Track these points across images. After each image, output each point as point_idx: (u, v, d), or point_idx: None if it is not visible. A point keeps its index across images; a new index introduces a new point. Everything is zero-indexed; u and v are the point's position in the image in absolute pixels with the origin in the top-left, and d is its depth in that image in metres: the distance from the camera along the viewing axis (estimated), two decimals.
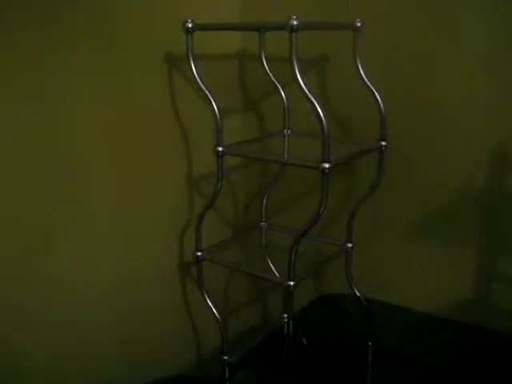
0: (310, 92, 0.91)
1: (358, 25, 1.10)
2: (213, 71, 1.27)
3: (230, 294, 1.60)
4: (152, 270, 1.31)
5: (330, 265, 1.27)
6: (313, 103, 0.91)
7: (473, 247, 1.28)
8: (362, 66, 1.13)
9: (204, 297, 1.27)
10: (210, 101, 1.09)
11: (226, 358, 1.28)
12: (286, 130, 1.33)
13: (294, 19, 0.89)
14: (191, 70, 1.08)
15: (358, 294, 1.31)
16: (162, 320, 1.37)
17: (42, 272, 1.07)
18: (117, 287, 1.23)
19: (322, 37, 1.26)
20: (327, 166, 0.93)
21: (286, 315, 1.25)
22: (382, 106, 1.12)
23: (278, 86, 1.31)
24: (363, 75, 1.13)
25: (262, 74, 1.31)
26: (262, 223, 1.45)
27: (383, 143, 1.13)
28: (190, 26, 1.06)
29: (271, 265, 1.30)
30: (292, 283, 1.06)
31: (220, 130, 1.10)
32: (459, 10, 1.15)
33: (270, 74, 1.31)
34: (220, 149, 1.10)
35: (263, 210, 1.44)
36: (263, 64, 1.30)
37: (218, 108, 1.09)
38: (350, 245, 1.26)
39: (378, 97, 1.12)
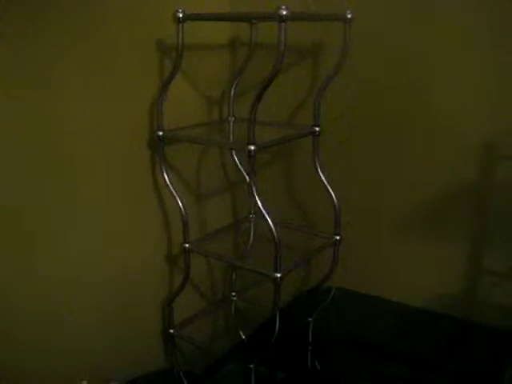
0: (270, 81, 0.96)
1: (349, 16, 1.10)
2: (203, 60, 1.26)
3: (218, 285, 1.60)
4: (140, 263, 1.30)
5: (319, 258, 1.27)
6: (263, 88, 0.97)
7: (461, 242, 1.28)
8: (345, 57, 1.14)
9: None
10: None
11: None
12: (230, 117, 1.39)
13: (284, 9, 0.89)
14: (180, 59, 1.09)
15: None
16: (150, 313, 1.37)
17: (31, 267, 1.06)
18: (105, 282, 1.22)
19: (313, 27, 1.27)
20: (252, 148, 1.03)
21: (274, 306, 1.25)
22: (317, 92, 1.18)
23: None
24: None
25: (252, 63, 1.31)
26: (251, 215, 1.45)
27: (316, 129, 1.20)
28: (180, 15, 1.06)
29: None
30: (279, 275, 1.06)
31: (160, 114, 1.17)
32: (449, 4, 1.15)
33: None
34: (160, 133, 1.17)
35: (252, 202, 1.44)
36: (252, 53, 1.30)
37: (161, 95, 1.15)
38: (337, 237, 1.25)
39: (325, 84, 1.17)
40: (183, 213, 1.21)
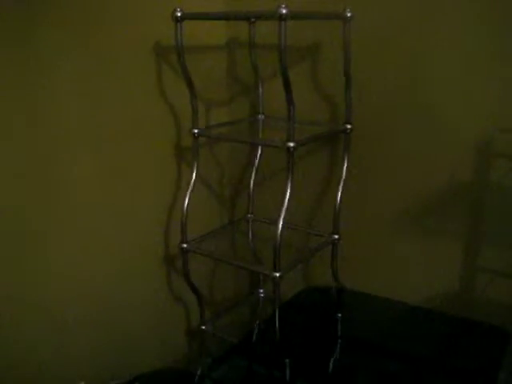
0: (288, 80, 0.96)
1: (348, 14, 1.09)
2: (201, 60, 1.26)
3: (217, 285, 1.59)
4: (138, 262, 1.30)
5: (318, 257, 1.27)
6: (287, 87, 0.98)
7: (458, 240, 1.29)
8: (349, 56, 1.13)
9: (190, 288, 1.27)
10: (191, 84, 1.14)
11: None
12: (260, 115, 1.38)
13: (284, 8, 0.89)
14: (180, 57, 1.08)
15: (343, 285, 1.31)
16: (148, 312, 1.37)
17: (28, 264, 1.06)
18: (103, 280, 1.22)
19: (312, 25, 1.27)
20: (292, 144, 1.01)
21: (273, 305, 1.25)
22: (349, 91, 1.17)
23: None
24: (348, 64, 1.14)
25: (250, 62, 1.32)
26: (249, 215, 1.45)
27: (348, 126, 1.19)
28: (179, 14, 1.05)
29: (257, 256, 1.29)
30: (278, 274, 1.06)
31: (196, 113, 1.18)
32: (449, 2, 1.16)
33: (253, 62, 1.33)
34: (196, 131, 1.18)
35: (250, 202, 1.44)
36: (252, 52, 1.31)
37: (192, 93, 1.15)
38: (336, 236, 1.26)
39: (351, 84, 1.16)
40: (184, 212, 1.21)
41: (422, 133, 1.25)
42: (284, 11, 0.90)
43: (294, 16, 0.90)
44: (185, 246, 1.23)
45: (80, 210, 1.13)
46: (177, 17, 1.05)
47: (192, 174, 1.21)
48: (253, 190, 1.43)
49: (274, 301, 1.10)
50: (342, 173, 1.22)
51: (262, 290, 1.55)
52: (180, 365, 1.44)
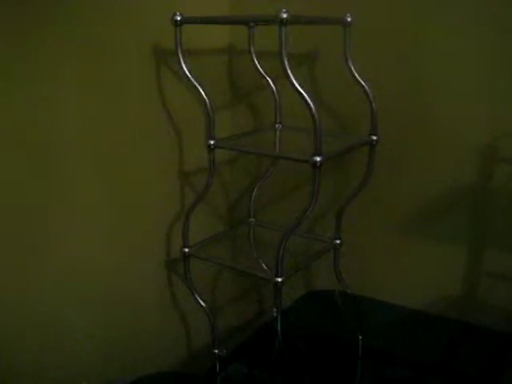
0: (300, 86, 0.91)
1: (348, 19, 1.09)
2: (202, 65, 1.26)
3: (219, 289, 1.59)
4: (140, 266, 1.29)
5: (320, 261, 1.27)
6: (304, 97, 0.91)
7: (461, 244, 1.28)
8: (352, 61, 1.12)
9: (192, 293, 1.27)
10: (201, 93, 1.08)
11: (216, 351, 1.29)
12: (277, 125, 1.33)
13: (284, 12, 0.88)
14: (180, 63, 1.07)
15: (346, 290, 1.30)
16: (151, 316, 1.36)
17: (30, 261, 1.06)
18: (106, 283, 1.21)
19: (313, 31, 1.26)
20: (319, 159, 0.93)
21: (275, 310, 1.25)
22: (372, 101, 1.11)
23: (269, 80, 1.30)
24: (353, 70, 1.12)
25: (252, 69, 1.30)
26: (250, 219, 1.44)
27: (374, 138, 1.13)
28: (178, 18, 1.04)
29: (260, 261, 1.29)
30: (280, 279, 1.06)
31: (212, 123, 1.09)
32: (450, 5, 1.15)
33: (260, 68, 1.30)
34: (212, 142, 1.09)
35: (251, 207, 1.43)
36: (253, 58, 1.29)
37: (209, 101, 1.09)
38: (338, 241, 1.25)
39: (369, 92, 1.11)
40: (186, 216, 1.20)
41: (425, 137, 1.25)
42: (285, 16, 0.88)
43: (293, 21, 0.89)
44: (186, 250, 1.22)
45: (81, 211, 1.13)
46: (176, 21, 1.04)
47: (207, 187, 1.15)
48: (255, 195, 1.43)
49: (275, 306, 1.10)
50: (358, 183, 1.18)
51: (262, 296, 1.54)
52: (184, 368, 1.44)
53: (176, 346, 1.48)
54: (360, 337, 1.27)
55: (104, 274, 1.21)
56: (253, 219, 1.44)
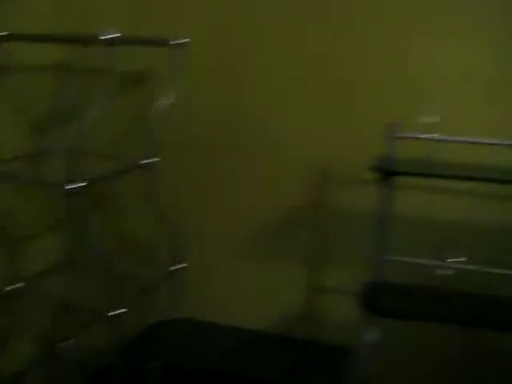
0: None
1: (171, 43, 1.03)
2: (25, 83, 1.16)
3: (58, 325, 1.45)
4: None
5: (162, 290, 1.23)
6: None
7: (302, 262, 1.33)
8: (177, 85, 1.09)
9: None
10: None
11: None
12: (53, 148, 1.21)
13: (109, 33, 0.85)
14: None
15: (189, 317, 1.27)
16: None
17: None
18: None
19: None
20: (73, 186, 0.88)
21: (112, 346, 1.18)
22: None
23: None
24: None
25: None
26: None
27: (150, 160, 1.10)
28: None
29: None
30: (115, 312, 1.00)
31: None
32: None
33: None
34: None
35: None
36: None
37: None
38: (177, 267, 1.21)
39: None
40: None
41: (266, 159, 1.29)
42: (107, 36, 0.84)
43: (112, 42, 0.85)
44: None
45: None
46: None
47: None
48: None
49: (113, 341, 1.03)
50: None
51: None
52: None
53: None
54: (204, 365, 1.25)
55: None
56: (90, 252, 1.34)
